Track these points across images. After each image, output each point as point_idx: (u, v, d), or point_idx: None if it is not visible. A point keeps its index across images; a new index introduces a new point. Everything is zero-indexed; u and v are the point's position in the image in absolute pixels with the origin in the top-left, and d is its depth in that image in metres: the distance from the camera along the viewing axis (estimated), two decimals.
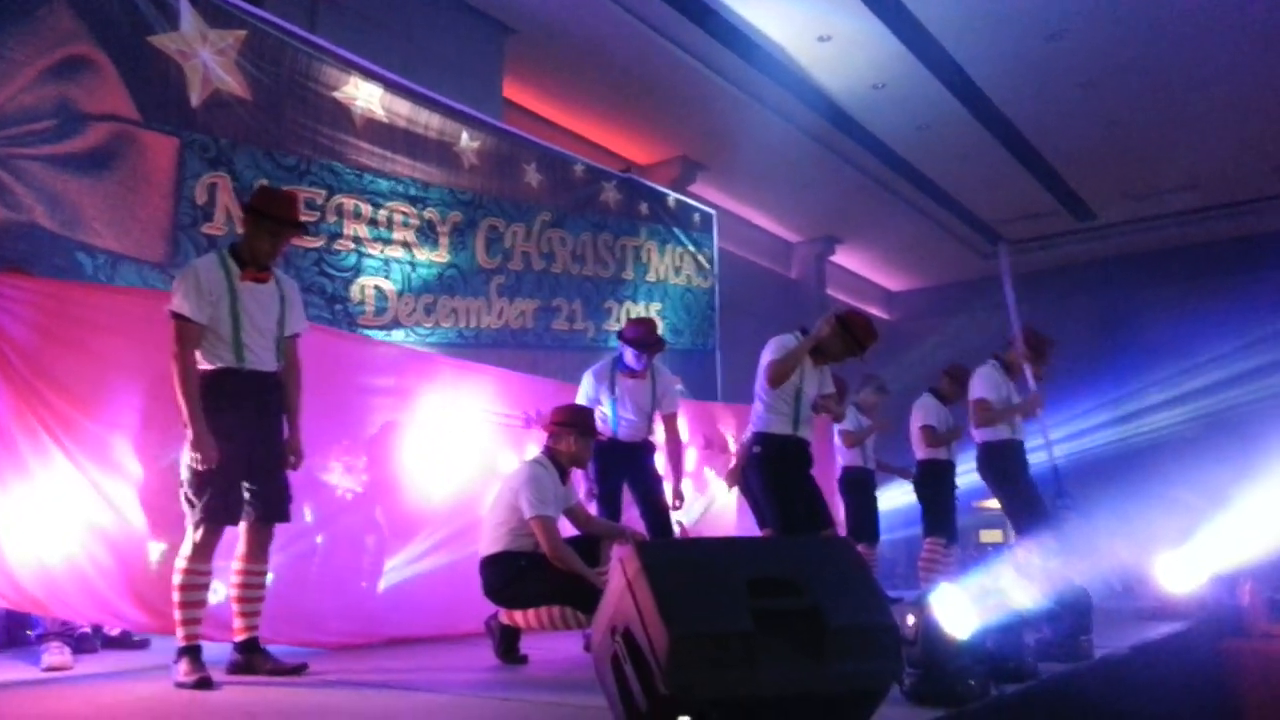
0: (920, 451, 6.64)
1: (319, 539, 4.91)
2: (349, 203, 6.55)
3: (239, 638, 3.65)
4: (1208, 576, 5.67)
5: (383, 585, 5.13)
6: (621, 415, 5.10)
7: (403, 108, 6.93)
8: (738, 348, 9.36)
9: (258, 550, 3.62)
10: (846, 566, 2.48)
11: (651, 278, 8.85)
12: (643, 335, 5.22)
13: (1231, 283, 12.90)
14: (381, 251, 6.71)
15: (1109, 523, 6.15)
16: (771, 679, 2.26)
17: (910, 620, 2.80)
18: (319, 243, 6.37)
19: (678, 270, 9.12)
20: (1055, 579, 3.54)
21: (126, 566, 3.92)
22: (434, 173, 7.10)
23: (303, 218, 6.12)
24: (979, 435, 5.90)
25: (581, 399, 5.13)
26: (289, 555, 4.62)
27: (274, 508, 3.61)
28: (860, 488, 7.01)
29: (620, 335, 5.35)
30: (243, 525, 3.58)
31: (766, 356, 4.58)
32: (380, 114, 6.79)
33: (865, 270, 16.08)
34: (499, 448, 5.67)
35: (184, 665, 3.34)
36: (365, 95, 6.69)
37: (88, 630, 4.25)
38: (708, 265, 9.46)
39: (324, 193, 6.41)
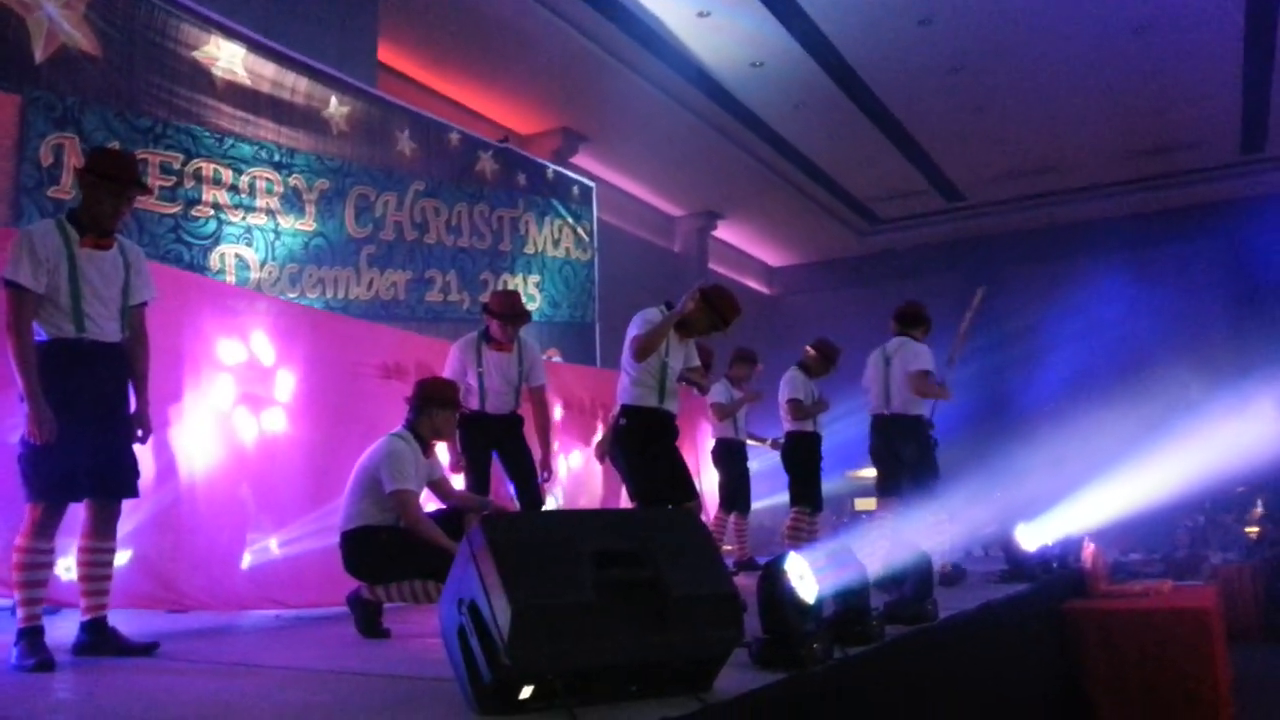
0: (787, 424, 6.78)
1: (180, 511, 4.75)
2: (208, 168, 6.30)
3: (85, 617, 3.51)
4: (1054, 539, 5.96)
5: (247, 560, 5.00)
6: (489, 388, 5.05)
7: (267, 70, 6.69)
8: (619, 320, 9.37)
9: (103, 527, 3.47)
10: (690, 537, 2.52)
11: (530, 250, 8.79)
12: (507, 307, 5.17)
13: (1086, 264, 13.51)
14: (243, 219, 6.49)
15: (977, 491, 6.43)
16: (614, 648, 2.29)
17: (760, 587, 2.87)
18: (176, 209, 6.12)
19: (556, 243, 9.08)
20: (901, 545, 3.67)
21: None
22: (300, 138, 6.89)
23: (157, 182, 6.01)
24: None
25: (448, 372, 5.06)
26: (151, 527, 4.48)
27: (118, 483, 3.47)
28: (732, 459, 7.13)
29: (485, 308, 5.28)
30: (86, 502, 3.43)
31: (632, 331, 4.60)
32: (243, 76, 6.54)
33: (747, 245, 16.30)
34: (364, 405, 5.50)
35: (23, 647, 3.19)
36: (227, 56, 6.44)
37: None
38: (587, 238, 9.44)
39: (181, 157, 6.15)
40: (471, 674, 2.30)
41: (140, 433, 3.58)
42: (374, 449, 4.03)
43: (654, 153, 12.86)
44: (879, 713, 3.14)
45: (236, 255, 6.45)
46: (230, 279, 6.37)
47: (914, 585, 3.67)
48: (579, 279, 9.31)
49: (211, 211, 6.31)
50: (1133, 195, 13.91)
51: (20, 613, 3.25)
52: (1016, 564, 5.61)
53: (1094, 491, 6.53)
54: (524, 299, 8.41)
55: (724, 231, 15.54)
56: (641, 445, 4.52)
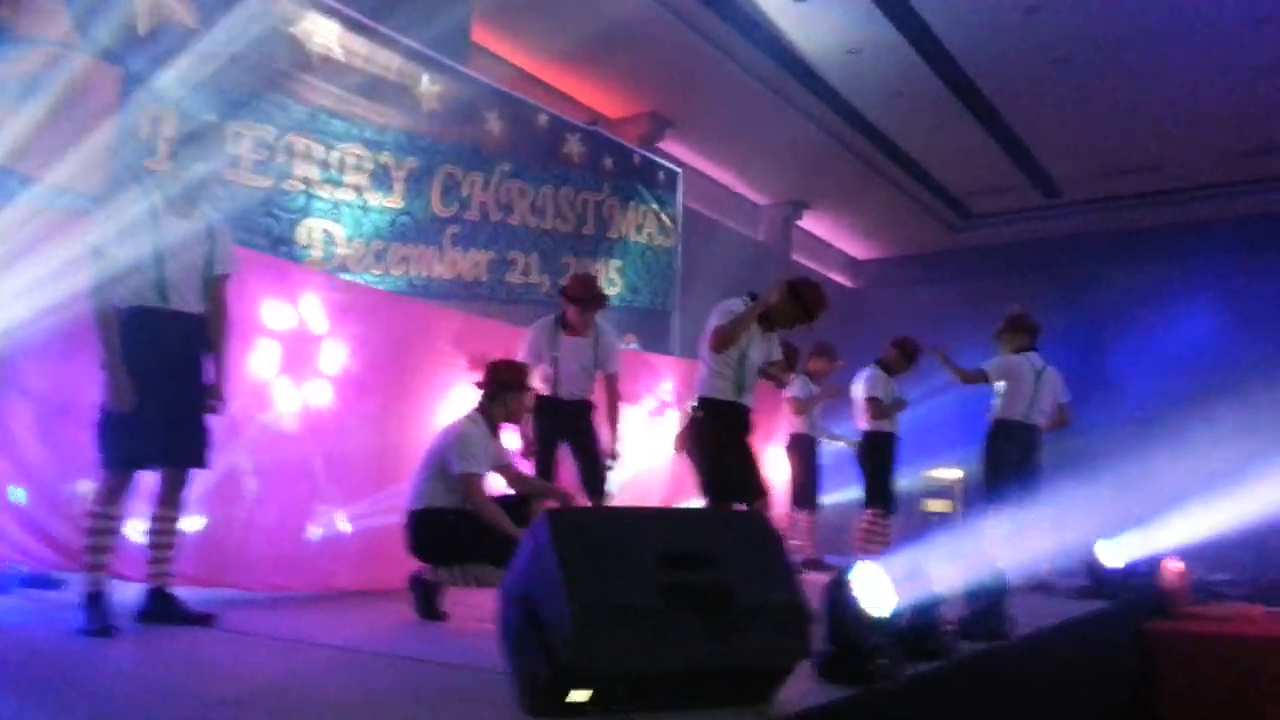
0: (863, 423, 6.64)
1: (252, 483, 4.84)
2: (300, 142, 6.38)
3: (150, 585, 3.58)
4: (1136, 557, 5.73)
5: (315, 534, 5.07)
6: (562, 373, 5.03)
7: (361, 47, 6.75)
8: (697, 308, 9.31)
9: (171, 496, 3.54)
10: (760, 542, 2.45)
11: (613, 235, 8.74)
12: (584, 291, 5.13)
13: (1196, 263, 12.99)
14: (332, 194, 6.56)
15: (1064, 503, 6.24)
16: (676, 654, 2.23)
17: (827, 597, 2.79)
18: (267, 183, 6.21)
19: (639, 228, 9.03)
20: (977, 560, 3.55)
21: (40, 505, 3.84)
22: (392, 116, 6.93)
23: (250, 155, 6.11)
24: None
25: (524, 355, 5.05)
26: (221, 498, 4.57)
27: (189, 453, 3.52)
28: (805, 455, 7.01)
29: (562, 291, 5.25)
30: (158, 470, 3.49)
31: (713, 321, 4.53)
32: (338, 52, 6.61)
33: (832, 236, 16.03)
34: (445, 394, 5.55)
35: (88, 613, 3.27)
36: (322, 32, 6.51)
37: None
38: (671, 224, 9.37)
39: (274, 131, 6.24)
40: (525, 672, 2.26)
41: (215, 404, 3.63)
42: (445, 430, 4.03)
43: (742, 139, 12.68)
44: None
45: (324, 230, 6.53)
46: (317, 253, 6.46)
47: (989, 600, 3.54)
48: (660, 265, 9.24)
49: (302, 186, 6.39)
50: (1239, 198, 13.28)
51: (86, 578, 3.33)
52: (1097, 580, 5.41)
53: (1183, 510, 6.26)
54: (604, 284, 8.47)
55: (809, 222, 15.30)
56: (715, 439, 4.45)
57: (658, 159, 9.53)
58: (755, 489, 4.51)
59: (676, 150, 12.53)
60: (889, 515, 6.73)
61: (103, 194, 5.34)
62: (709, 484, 4.46)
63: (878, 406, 6.49)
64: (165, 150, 5.63)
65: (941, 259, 15.96)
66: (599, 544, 2.27)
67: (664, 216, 9.26)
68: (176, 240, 3.46)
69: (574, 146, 8.37)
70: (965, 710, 3.15)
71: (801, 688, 2.57)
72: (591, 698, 2.17)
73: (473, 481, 3.85)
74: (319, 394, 4.96)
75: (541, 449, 4.97)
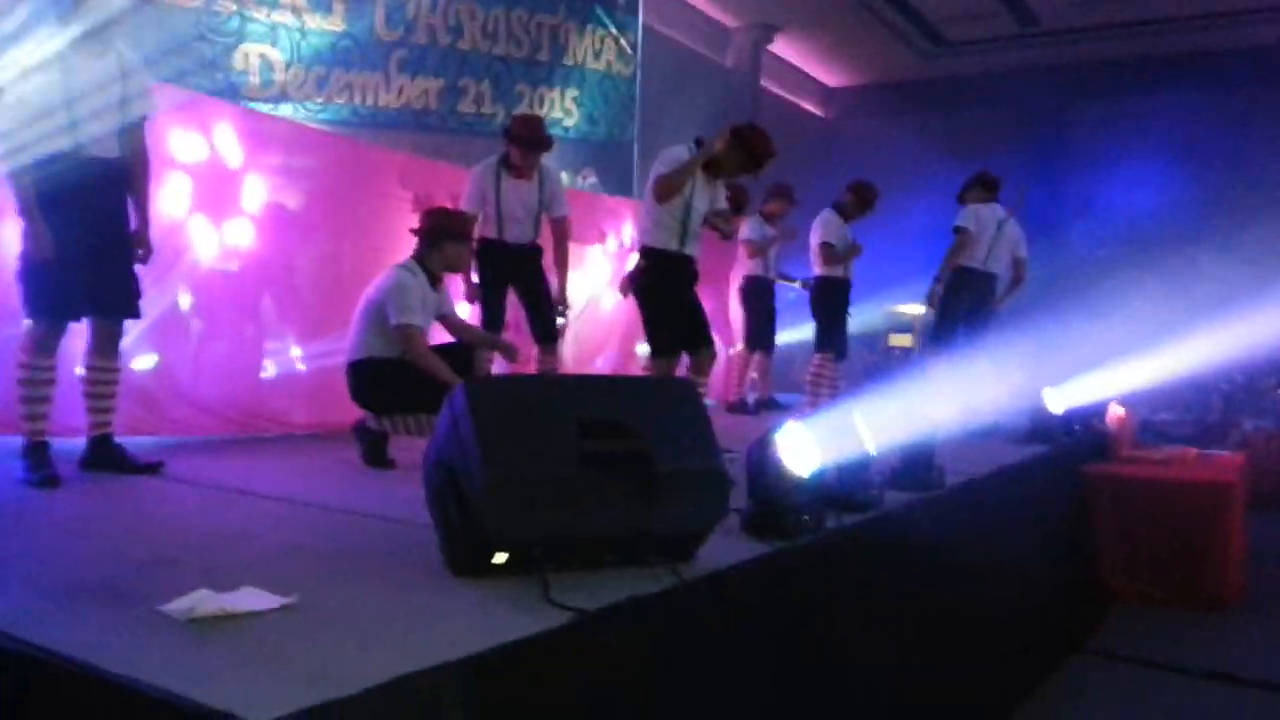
0: (818, 267, 6.58)
1: (196, 323, 4.75)
2: None
3: (91, 434, 3.54)
4: (1079, 403, 5.82)
5: (269, 372, 5.03)
6: (506, 216, 4.88)
7: None
8: (664, 138, 9.06)
9: (105, 346, 3.45)
10: (682, 409, 2.42)
11: (569, 61, 8.39)
12: (527, 132, 4.90)
13: (1165, 99, 12.75)
14: (268, 16, 6.20)
15: (1010, 352, 6.30)
16: (592, 520, 2.23)
17: (751, 458, 2.80)
18: (197, 3, 5.85)
19: (597, 54, 8.66)
20: (909, 411, 3.57)
21: None
22: None
23: None
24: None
25: (466, 198, 4.89)
26: (165, 338, 4.50)
27: (119, 303, 3.42)
28: (759, 297, 6.97)
29: (505, 132, 5.02)
30: (87, 321, 3.40)
31: (656, 169, 4.38)
32: None
33: (804, 62, 15.52)
34: (396, 234, 5.39)
35: (28, 462, 3.23)
36: None
37: None
38: (630, 50, 9.00)
39: None
40: (448, 536, 2.27)
41: (141, 251, 3.50)
42: (380, 280, 3.93)
43: None
44: (879, 583, 3.12)
45: (261, 55, 6.21)
46: (254, 80, 6.17)
47: (919, 451, 3.59)
48: (619, 95, 8.93)
49: (234, 8, 6.03)
50: (1240, 28, 12.83)
51: (24, 427, 3.28)
52: (1040, 426, 5.50)
53: (1132, 356, 6.33)
54: (560, 114, 8.20)
55: (780, 47, 14.77)
56: (658, 289, 4.38)
57: None
58: (700, 339, 4.48)
59: None
60: (838, 359, 6.77)
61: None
62: (652, 335, 4.42)
63: (830, 251, 6.41)
64: None
65: (916, 89, 15.56)
66: (516, 413, 2.23)
67: (623, 42, 8.88)
68: (88, 81, 3.24)
69: None
70: (895, 561, 3.22)
71: (729, 544, 2.61)
72: (510, 559, 2.18)
73: (410, 332, 3.77)
74: (241, 232, 4.78)
75: (487, 295, 4.88)
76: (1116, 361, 6.19)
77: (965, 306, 6.25)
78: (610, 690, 1.99)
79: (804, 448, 2.82)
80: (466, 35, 7.49)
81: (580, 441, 2.22)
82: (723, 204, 4.63)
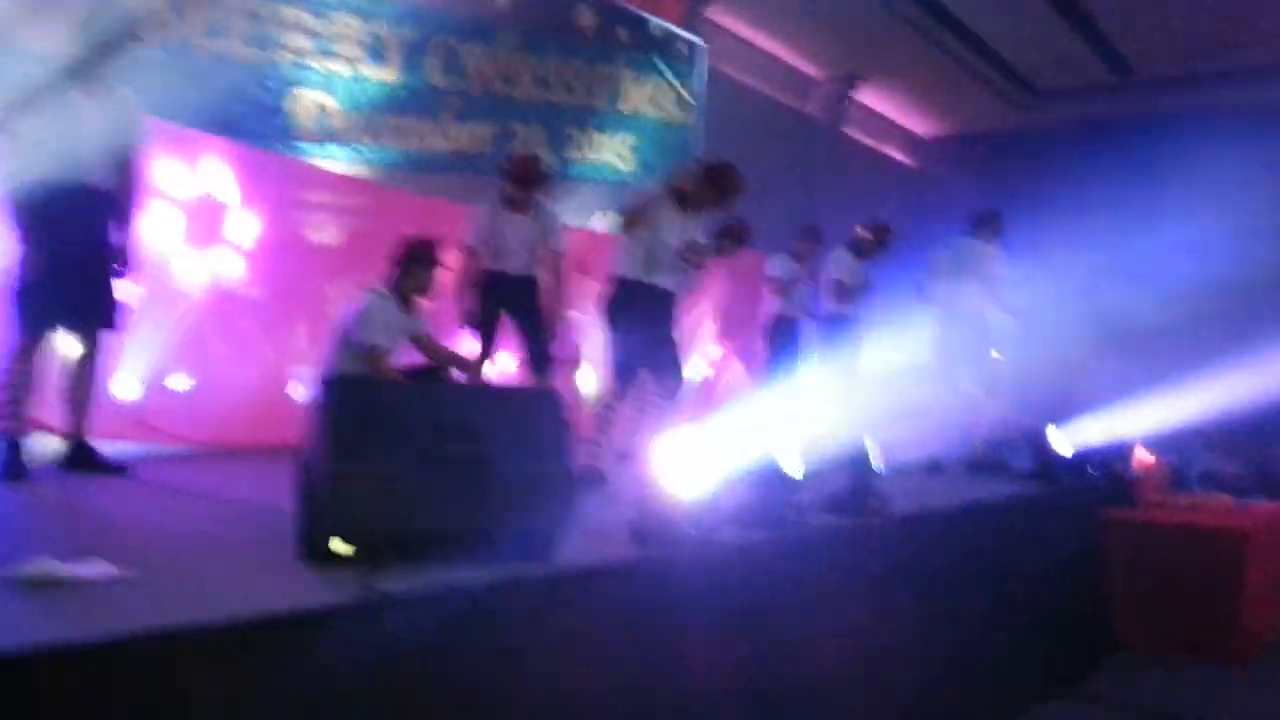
0: (828, 304, 6.61)
1: (219, 347, 5.15)
2: (289, 13, 6.47)
3: (66, 435, 3.89)
4: (1095, 441, 5.69)
5: (298, 392, 5.38)
6: (506, 250, 5.11)
7: None
8: (758, 185, 9.23)
9: (85, 359, 3.81)
10: (539, 418, 2.57)
11: (624, 108, 8.67)
12: (520, 172, 5.16)
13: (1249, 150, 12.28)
14: (323, 66, 6.67)
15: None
16: (433, 518, 2.39)
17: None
18: (257, 54, 6.34)
19: (655, 102, 8.92)
20: (835, 436, 3.62)
21: None
22: None
23: (238, 26, 6.23)
24: None
25: (471, 233, 5.15)
26: (197, 361, 4.91)
27: (96, 316, 3.79)
28: (782, 336, 7.00)
29: (503, 170, 5.28)
30: (71, 331, 3.77)
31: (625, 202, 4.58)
32: None
33: (891, 111, 15.51)
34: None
35: (3, 459, 3.59)
36: None
37: None
38: (691, 100, 9.23)
39: (264, 2, 6.33)
40: (300, 523, 2.47)
41: (118, 266, 3.85)
42: (352, 303, 4.21)
43: (793, 7, 12.29)
44: (745, 605, 3.14)
45: (317, 103, 6.66)
46: (309, 125, 6.62)
47: (851, 475, 3.63)
48: (676, 141, 9.14)
49: (292, 58, 6.51)
50: None
51: (4, 427, 3.64)
52: (1046, 466, 5.41)
53: (1161, 396, 6.17)
54: (614, 159, 8.48)
55: (867, 96, 14.82)
56: (618, 317, 4.52)
57: (679, 31, 9.30)
58: (667, 370, 4.58)
59: (722, 19, 12.20)
60: None
61: None
62: (612, 360, 4.54)
63: (840, 289, 6.45)
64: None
65: (1006, 138, 15.36)
66: (371, 411, 2.42)
67: (683, 92, 9.12)
68: (83, 116, 3.64)
69: (586, 18, 8.26)
70: (804, 580, 3.27)
71: (612, 551, 2.75)
72: (356, 551, 2.36)
73: (374, 353, 4.03)
74: (231, 265, 5.19)
75: (483, 322, 5.11)
76: (1138, 401, 6.04)
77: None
78: (390, 674, 2.11)
79: (694, 463, 2.93)
80: (520, 84, 7.85)
81: (426, 442, 2.40)
82: (699, 238, 4.74)
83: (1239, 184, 12.03)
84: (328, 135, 6.72)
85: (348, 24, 6.76)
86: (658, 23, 9.01)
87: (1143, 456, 6.00)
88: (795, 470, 3.30)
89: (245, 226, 5.32)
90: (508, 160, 5.44)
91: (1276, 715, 4.61)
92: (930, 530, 3.97)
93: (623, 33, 8.56)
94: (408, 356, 4.38)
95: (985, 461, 6.00)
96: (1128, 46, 12.67)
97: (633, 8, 8.72)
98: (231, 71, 6.19)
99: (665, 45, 8.97)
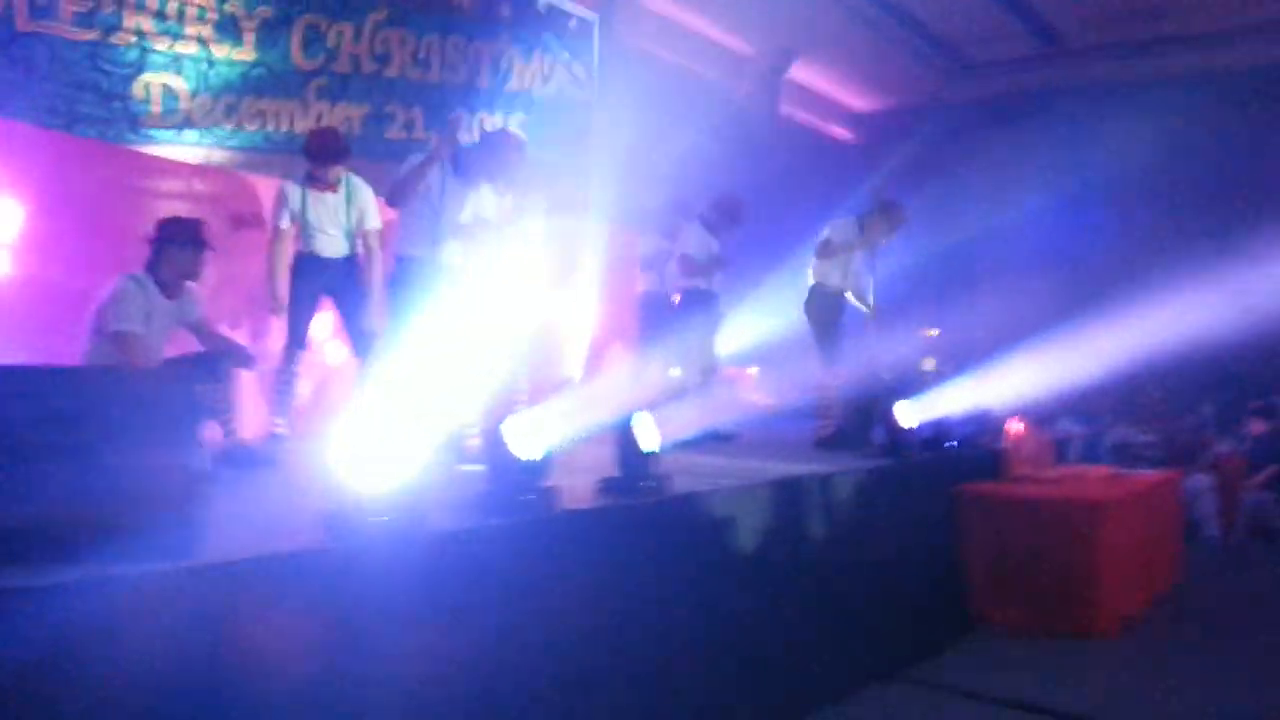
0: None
1: None
2: None
3: None
4: (958, 412, 5.52)
5: None
6: (317, 230, 4.90)
7: None
8: (671, 167, 9.06)
9: None
10: (161, 406, 2.37)
11: (513, 86, 8.43)
12: (317, 146, 4.93)
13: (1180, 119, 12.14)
14: (170, 47, 6.41)
15: None
16: (29, 510, 2.18)
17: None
18: (92, 35, 6.08)
19: (546, 79, 8.69)
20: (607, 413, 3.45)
21: None
22: None
23: (70, 7, 5.98)
24: None
25: (275, 213, 4.93)
26: None
27: None
28: (650, 313, 6.79)
29: (303, 148, 5.04)
30: None
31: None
32: None
33: (827, 87, 15.29)
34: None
35: None
36: None
37: None
38: (585, 76, 8.99)
39: None
40: None
41: None
42: (105, 289, 4.00)
43: None
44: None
45: (164, 85, 6.41)
46: (156, 109, 6.38)
47: (621, 453, 3.44)
48: (573, 119, 8.91)
49: (134, 39, 6.26)
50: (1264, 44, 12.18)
51: None
52: (892, 439, 5.23)
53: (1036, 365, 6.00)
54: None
55: (802, 73, 14.60)
56: (405, 295, 4.32)
57: (567, 6, 9.05)
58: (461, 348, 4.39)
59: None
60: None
61: None
62: (392, 339, 4.35)
63: (687, 263, 6.23)
64: None
65: (943, 111, 15.15)
66: None
67: (576, 67, 8.89)
68: None
69: None
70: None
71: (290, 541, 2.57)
72: None
73: (124, 339, 3.82)
74: None
75: (294, 309, 4.89)
76: (1015, 371, 5.87)
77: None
78: None
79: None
80: (395, 63, 7.61)
81: (27, 432, 2.19)
82: (487, 213, 4.54)
83: (1167, 153, 11.87)
84: (180, 120, 6.47)
85: (196, 3, 6.49)
86: None
87: (1014, 428, 5.82)
88: (534, 450, 3.10)
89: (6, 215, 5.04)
90: (306, 137, 5.16)
91: (1128, 695, 4.42)
92: (722, 510, 3.76)
93: (505, 8, 8.32)
94: (185, 344, 4.17)
95: (835, 437, 5.86)
96: (1056, 19, 12.49)
97: None
98: (64, 56, 5.93)
99: (554, 20, 8.74)
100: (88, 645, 2.08)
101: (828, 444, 5.85)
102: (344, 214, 4.95)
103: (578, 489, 3.44)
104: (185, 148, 6.47)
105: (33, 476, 2.17)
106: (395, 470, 2.67)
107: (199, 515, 2.33)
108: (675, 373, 5.86)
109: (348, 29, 7.30)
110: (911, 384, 5.56)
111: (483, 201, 4.47)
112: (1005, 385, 5.89)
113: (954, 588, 5.22)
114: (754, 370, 9.52)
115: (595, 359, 7.44)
